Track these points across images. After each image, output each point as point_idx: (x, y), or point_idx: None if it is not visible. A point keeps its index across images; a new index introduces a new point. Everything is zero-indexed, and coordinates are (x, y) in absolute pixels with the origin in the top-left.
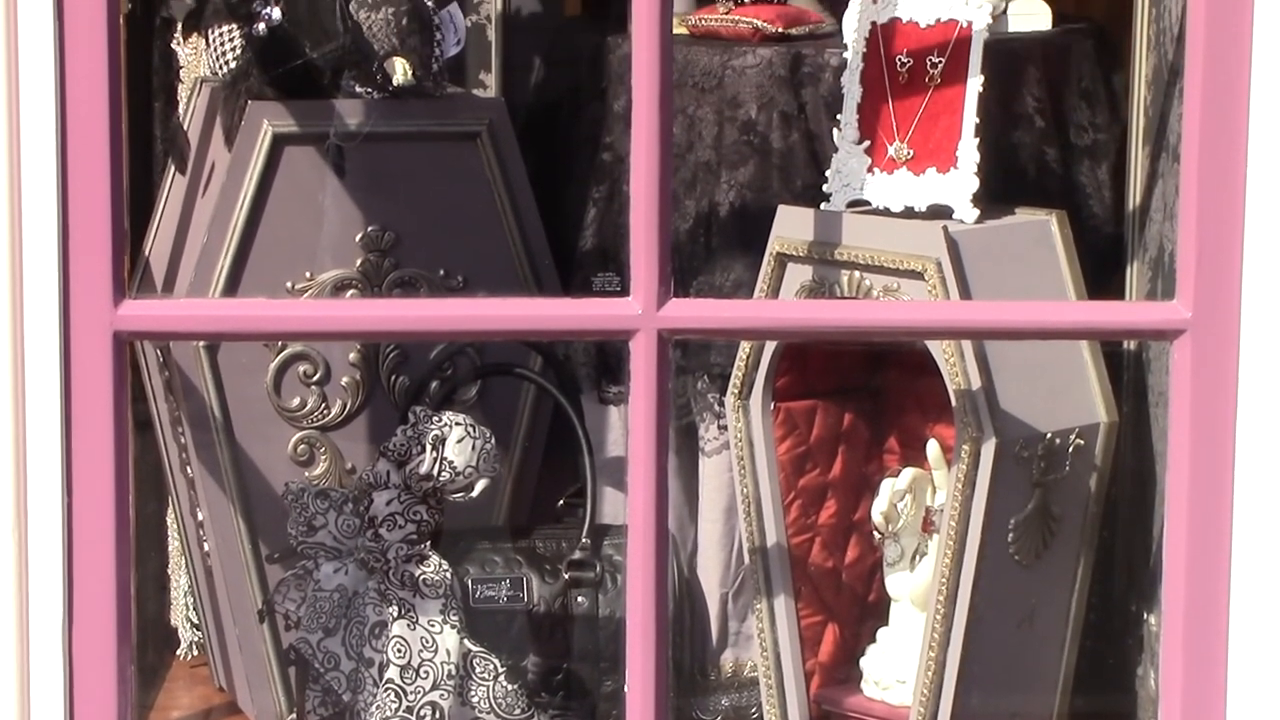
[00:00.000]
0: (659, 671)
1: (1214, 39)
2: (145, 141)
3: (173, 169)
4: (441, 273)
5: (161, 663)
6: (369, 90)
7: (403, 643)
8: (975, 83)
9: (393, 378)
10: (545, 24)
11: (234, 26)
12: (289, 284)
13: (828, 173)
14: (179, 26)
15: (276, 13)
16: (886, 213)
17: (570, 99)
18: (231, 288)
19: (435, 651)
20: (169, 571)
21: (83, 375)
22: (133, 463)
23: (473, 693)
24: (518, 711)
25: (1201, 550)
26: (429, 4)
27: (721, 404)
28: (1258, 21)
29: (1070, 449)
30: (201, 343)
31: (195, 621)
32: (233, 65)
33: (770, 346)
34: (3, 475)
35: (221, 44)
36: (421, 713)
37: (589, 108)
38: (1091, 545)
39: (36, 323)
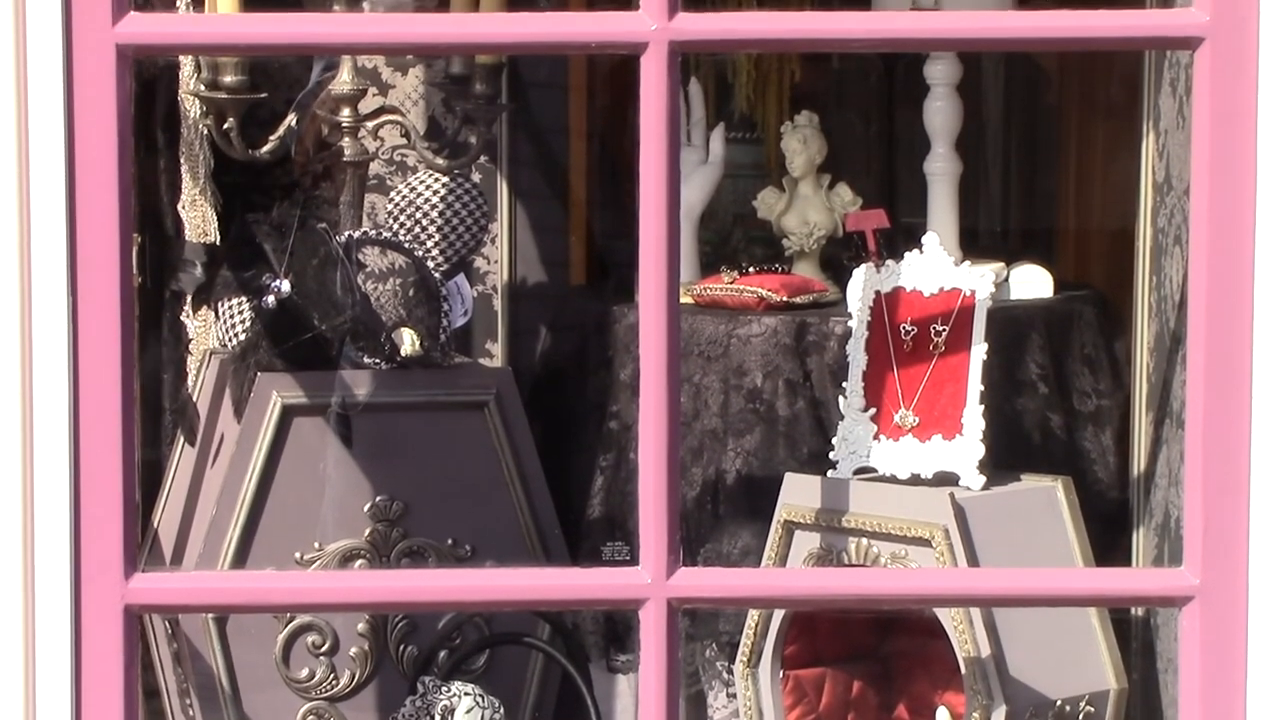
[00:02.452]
0: None
1: (1215, 306)
2: (155, 413)
3: (182, 440)
4: (450, 542)
5: None
6: (377, 361)
7: None
8: (979, 350)
9: (401, 647)
10: (551, 293)
11: (243, 299)
12: (298, 555)
13: (834, 440)
14: (189, 299)
15: (286, 286)
16: (893, 480)
17: (576, 368)
18: (240, 559)
19: None
20: None
21: (93, 649)
22: None
23: None
24: None
25: None
26: (436, 275)
27: (730, 672)
28: (1258, 289)
29: (1080, 716)
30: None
31: None
32: (242, 338)
33: (779, 614)
34: None
35: (231, 316)
36: None
37: (595, 376)
38: None
39: (48, 597)
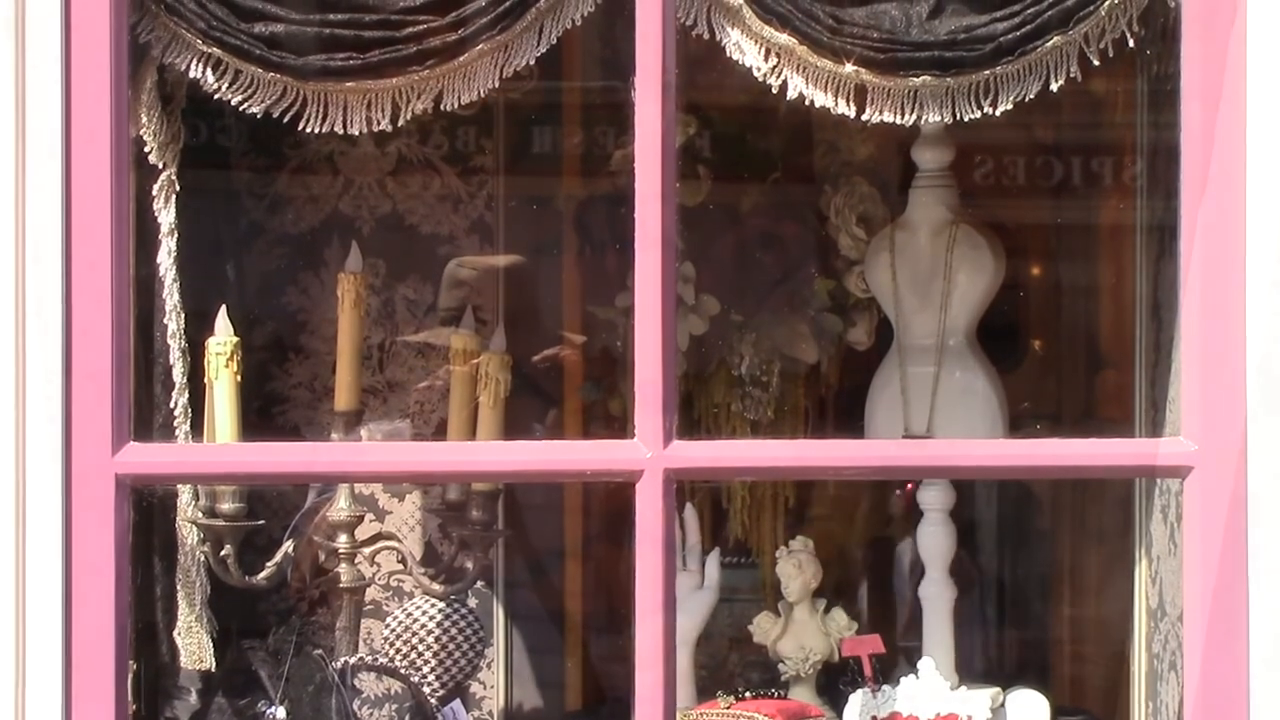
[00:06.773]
0: None
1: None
2: None
3: None
4: None
5: None
6: None
7: None
8: None
9: None
10: (547, 717)
11: None
12: None
13: None
14: None
15: (281, 713)
16: None
17: None
18: None
19: None
20: None
21: None
22: None
23: None
24: None
25: None
26: (432, 700)
27: None
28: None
29: None
30: None
31: None
32: None
33: None
34: None
35: None
36: None
37: None
38: None
39: None
